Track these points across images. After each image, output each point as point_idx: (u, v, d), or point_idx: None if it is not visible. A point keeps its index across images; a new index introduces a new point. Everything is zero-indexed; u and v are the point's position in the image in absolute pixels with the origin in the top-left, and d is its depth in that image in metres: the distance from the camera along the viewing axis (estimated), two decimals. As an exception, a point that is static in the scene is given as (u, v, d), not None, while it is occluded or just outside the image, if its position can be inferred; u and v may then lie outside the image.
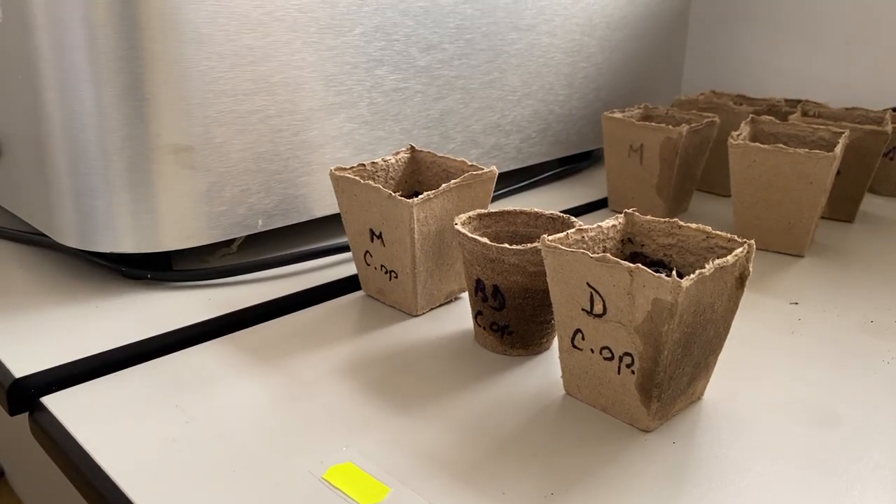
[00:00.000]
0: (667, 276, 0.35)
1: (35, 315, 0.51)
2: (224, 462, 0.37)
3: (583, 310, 0.39)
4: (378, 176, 0.54)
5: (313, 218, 0.60)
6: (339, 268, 0.59)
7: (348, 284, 0.56)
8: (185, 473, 0.36)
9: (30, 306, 0.52)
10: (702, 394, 0.42)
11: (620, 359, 0.38)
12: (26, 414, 0.42)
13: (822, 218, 0.69)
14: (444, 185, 0.49)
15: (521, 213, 0.49)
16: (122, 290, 0.55)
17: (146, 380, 0.44)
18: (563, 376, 0.42)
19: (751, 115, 0.68)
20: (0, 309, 0.52)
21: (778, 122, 0.67)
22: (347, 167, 0.52)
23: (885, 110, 0.74)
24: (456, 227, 0.46)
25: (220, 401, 0.42)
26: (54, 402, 0.42)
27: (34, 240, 0.61)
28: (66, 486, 0.39)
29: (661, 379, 0.37)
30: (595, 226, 0.43)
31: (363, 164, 0.53)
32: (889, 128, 0.67)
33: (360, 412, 0.41)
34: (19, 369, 0.44)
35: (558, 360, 0.42)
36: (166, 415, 0.40)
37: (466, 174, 0.50)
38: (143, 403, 0.42)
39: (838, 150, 0.59)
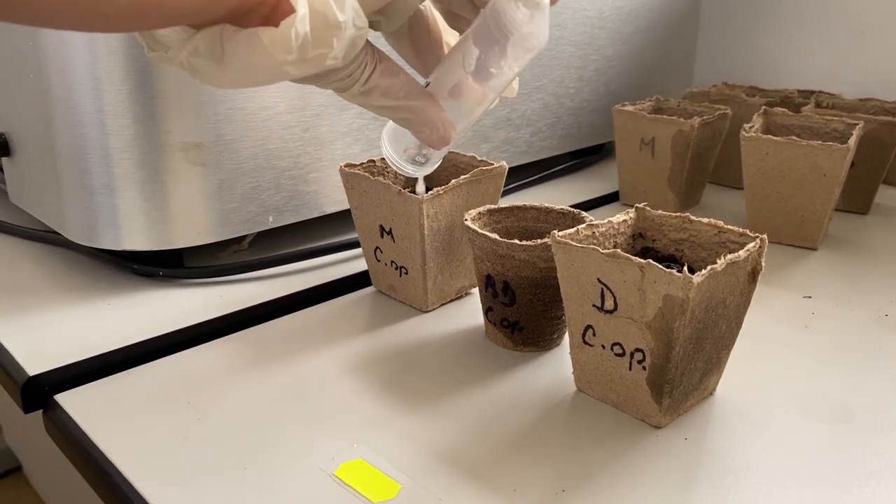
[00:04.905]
0: (678, 271, 0.35)
1: (48, 313, 0.51)
2: (236, 459, 0.37)
3: (594, 306, 0.39)
4: (388, 172, 0.54)
5: (324, 214, 0.60)
6: (349, 264, 0.59)
7: (359, 280, 0.56)
8: (196, 470, 0.36)
9: (42, 304, 0.52)
10: (714, 389, 0.42)
11: (632, 355, 0.38)
12: (41, 411, 0.43)
13: (837, 210, 0.69)
14: (453, 181, 0.49)
15: (532, 208, 0.49)
16: (133, 287, 0.55)
17: (158, 377, 0.44)
18: (573, 372, 0.42)
19: (763, 107, 0.67)
20: (13, 307, 0.52)
21: (791, 113, 0.66)
22: (357, 163, 0.52)
23: (900, 101, 0.73)
24: (466, 222, 0.46)
25: (232, 397, 0.42)
26: (68, 400, 0.42)
27: (46, 238, 0.62)
28: (80, 481, 0.40)
29: (673, 375, 0.37)
30: (606, 221, 0.43)
31: (373, 161, 0.53)
32: (904, 119, 0.66)
33: (370, 409, 0.41)
34: (33, 367, 0.44)
35: (569, 357, 0.42)
36: (178, 412, 0.41)
37: (476, 169, 0.50)
38: (155, 401, 0.42)
39: (852, 142, 0.58)
